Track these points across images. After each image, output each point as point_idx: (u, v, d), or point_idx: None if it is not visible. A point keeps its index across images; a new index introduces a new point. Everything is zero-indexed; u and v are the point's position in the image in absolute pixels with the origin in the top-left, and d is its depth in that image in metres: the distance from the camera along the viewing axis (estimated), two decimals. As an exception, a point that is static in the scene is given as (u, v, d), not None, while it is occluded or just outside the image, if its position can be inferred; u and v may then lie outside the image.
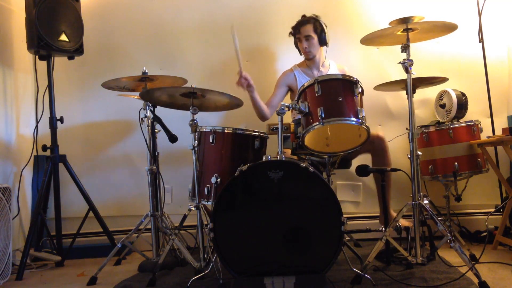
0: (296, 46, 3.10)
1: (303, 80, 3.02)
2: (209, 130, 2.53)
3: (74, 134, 3.35)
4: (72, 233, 3.06)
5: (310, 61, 3.09)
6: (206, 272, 2.23)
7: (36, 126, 3.10)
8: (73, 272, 2.74)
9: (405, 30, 2.28)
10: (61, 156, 2.98)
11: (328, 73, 3.03)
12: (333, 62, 3.15)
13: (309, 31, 2.98)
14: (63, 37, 2.86)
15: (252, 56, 3.41)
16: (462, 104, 2.99)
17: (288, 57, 3.29)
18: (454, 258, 2.41)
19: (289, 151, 2.62)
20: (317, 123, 2.17)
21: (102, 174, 3.37)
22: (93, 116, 3.40)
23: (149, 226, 2.72)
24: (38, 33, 2.74)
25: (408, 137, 2.28)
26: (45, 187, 2.91)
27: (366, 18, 3.34)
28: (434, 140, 2.93)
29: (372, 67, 3.36)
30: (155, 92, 2.48)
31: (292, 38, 3.10)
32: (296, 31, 3.02)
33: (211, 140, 2.50)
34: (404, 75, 2.31)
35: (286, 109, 2.18)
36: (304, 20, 3.00)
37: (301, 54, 3.11)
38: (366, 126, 2.20)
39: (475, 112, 3.22)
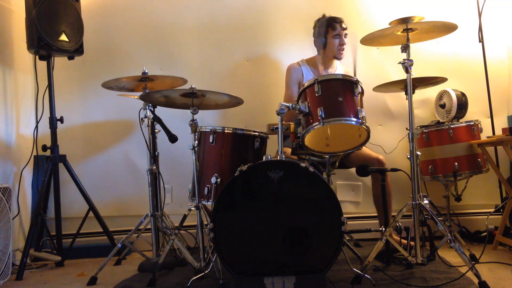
0: (322, 40, 2.95)
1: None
2: (209, 130, 2.53)
3: (74, 134, 3.35)
4: (72, 233, 3.06)
5: (330, 61, 3.04)
6: (206, 272, 2.23)
7: (36, 126, 3.10)
8: (73, 272, 2.74)
9: (405, 30, 2.28)
10: (61, 156, 2.97)
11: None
12: (339, 63, 3.13)
13: (347, 30, 2.95)
14: (63, 37, 2.86)
15: (252, 55, 3.41)
16: (462, 104, 2.99)
17: (289, 56, 3.29)
18: (454, 258, 2.42)
19: (289, 150, 2.62)
20: (317, 123, 2.17)
21: (102, 174, 3.37)
22: (93, 116, 3.40)
23: (149, 226, 2.72)
24: (38, 33, 2.74)
25: (408, 137, 2.29)
26: (45, 187, 2.91)
27: (366, 18, 3.34)
28: (434, 140, 2.93)
29: (372, 67, 3.36)
30: (155, 94, 2.48)
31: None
32: (339, 25, 2.92)
33: (211, 140, 2.50)
34: (404, 75, 2.32)
35: (286, 109, 2.18)
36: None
37: (319, 53, 3.03)
38: (366, 126, 2.20)
39: (475, 112, 3.22)
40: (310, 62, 3.09)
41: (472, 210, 3.27)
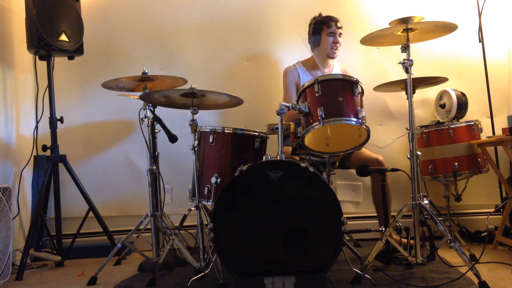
0: (317, 37, 2.97)
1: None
2: (209, 130, 2.54)
3: (74, 134, 3.35)
4: (72, 233, 3.06)
5: (324, 60, 3.04)
6: (206, 272, 2.23)
7: (36, 126, 3.10)
8: (73, 272, 2.74)
9: (405, 30, 2.28)
10: (61, 156, 2.97)
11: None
12: (336, 61, 3.14)
13: (341, 29, 2.97)
14: (63, 37, 2.86)
15: (252, 56, 3.41)
16: (462, 104, 2.99)
17: (289, 56, 3.30)
18: (454, 258, 2.41)
19: (289, 149, 2.61)
20: (317, 123, 2.17)
21: (102, 174, 3.37)
22: (93, 116, 3.40)
23: (149, 226, 2.72)
24: (38, 33, 2.74)
25: (408, 137, 2.29)
26: (45, 187, 2.91)
27: (366, 18, 3.34)
28: (434, 140, 2.93)
29: (372, 67, 3.36)
30: (155, 94, 2.49)
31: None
32: (334, 23, 2.93)
33: (211, 140, 2.50)
34: (404, 75, 2.32)
35: (286, 109, 2.18)
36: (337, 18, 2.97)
37: (313, 51, 3.06)
38: (366, 126, 2.20)
39: (475, 112, 3.22)
40: (306, 63, 3.10)
41: (472, 210, 3.27)
